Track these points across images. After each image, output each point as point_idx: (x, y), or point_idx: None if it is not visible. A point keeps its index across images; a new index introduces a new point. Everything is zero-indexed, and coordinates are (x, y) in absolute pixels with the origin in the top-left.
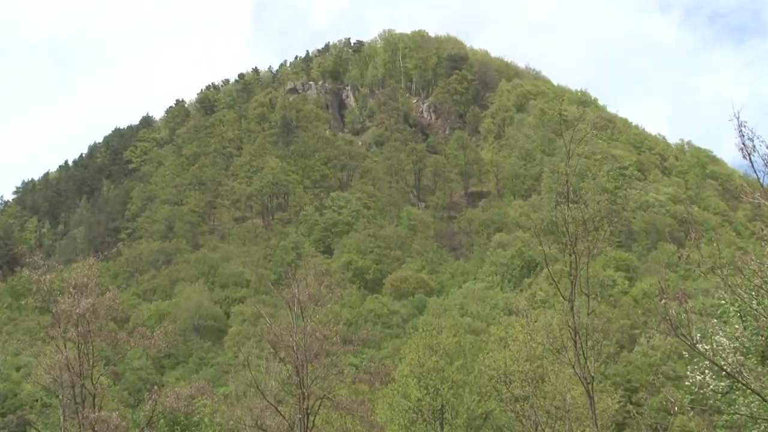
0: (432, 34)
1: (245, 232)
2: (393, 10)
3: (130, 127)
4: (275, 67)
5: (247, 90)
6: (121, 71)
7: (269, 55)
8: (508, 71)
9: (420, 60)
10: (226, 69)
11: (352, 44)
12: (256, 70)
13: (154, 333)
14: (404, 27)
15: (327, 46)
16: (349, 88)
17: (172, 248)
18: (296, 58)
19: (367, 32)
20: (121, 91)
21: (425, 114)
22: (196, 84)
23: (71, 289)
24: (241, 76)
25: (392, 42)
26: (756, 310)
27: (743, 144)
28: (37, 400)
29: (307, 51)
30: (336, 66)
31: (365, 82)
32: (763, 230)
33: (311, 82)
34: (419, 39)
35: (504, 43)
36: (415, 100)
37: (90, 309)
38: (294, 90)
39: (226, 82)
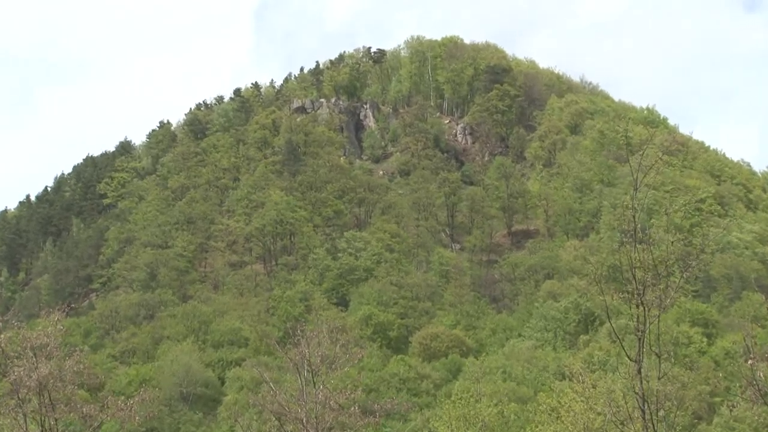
0: (468, 40)
1: (243, 280)
2: (421, 12)
3: (104, 155)
4: (279, 81)
5: (245, 109)
6: (94, 88)
7: (272, 65)
8: (560, 85)
9: (453, 72)
10: (221, 83)
11: (372, 53)
12: (256, 86)
13: (131, 402)
14: (434, 32)
15: (341, 56)
16: (367, 106)
17: (156, 300)
18: (303, 70)
19: (390, 39)
20: (94, 112)
21: (460, 137)
22: (184, 103)
23: (29, 351)
24: (238, 92)
25: (420, 50)
26: None
27: None
28: None
29: (317, 62)
30: (352, 80)
31: (387, 99)
32: None
33: (322, 100)
34: (452, 47)
35: (555, 51)
36: (447, 121)
37: (52, 375)
38: (302, 109)
39: (220, 100)
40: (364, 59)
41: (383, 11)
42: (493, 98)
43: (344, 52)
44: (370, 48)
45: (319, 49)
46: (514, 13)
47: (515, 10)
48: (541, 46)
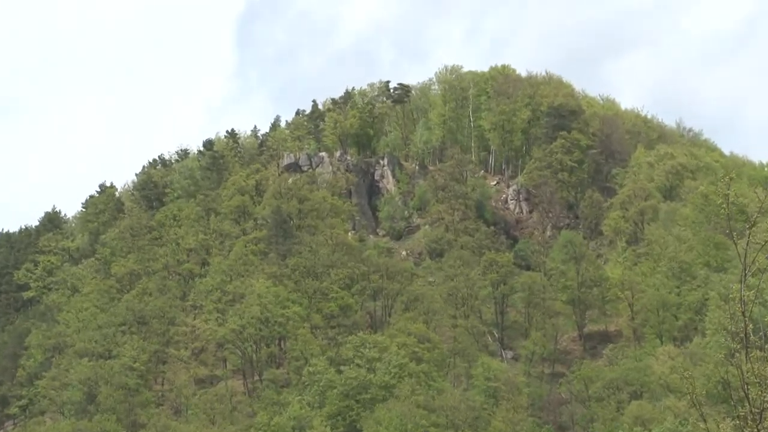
0: (522, 71)
1: (215, 401)
2: (461, 31)
3: (24, 231)
4: (264, 127)
5: (217, 168)
6: (7, 136)
7: (257, 100)
8: (649, 133)
9: (503, 115)
10: (185, 130)
11: (391, 89)
12: (232, 135)
13: None
14: (476, 61)
15: (349, 94)
16: (385, 162)
17: (95, 430)
18: (299, 113)
19: (416, 70)
20: (9, 171)
21: (512, 204)
22: (133, 159)
23: None
24: (208, 144)
25: (457, 86)
26: None
27: None
28: None
29: (314, 102)
30: (364, 126)
31: (412, 153)
32: None
33: (323, 154)
34: (502, 81)
35: (642, 84)
36: (494, 182)
37: None
38: (295, 166)
39: (184, 154)
40: (381, 97)
41: (405, 31)
42: (557, 150)
43: (352, 89)
44: (388, 83)
45: (320, 76)
46: (586, 35)
47: (587, 30)
48: (623, 78)
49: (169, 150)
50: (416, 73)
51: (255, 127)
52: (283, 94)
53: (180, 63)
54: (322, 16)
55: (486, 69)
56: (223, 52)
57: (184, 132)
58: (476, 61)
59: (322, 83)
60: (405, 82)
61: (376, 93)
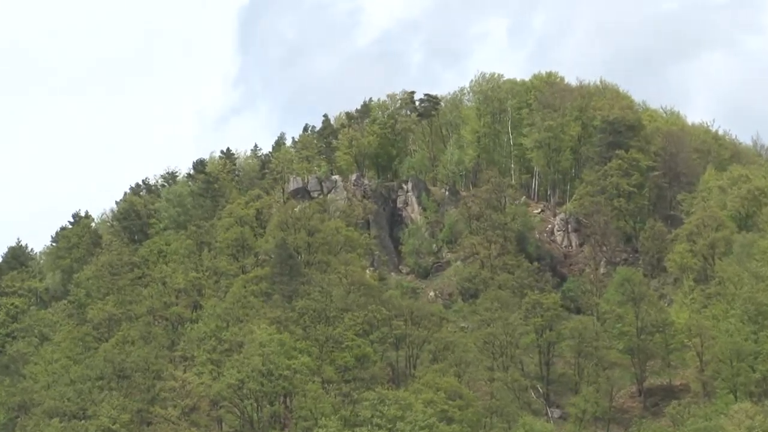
0: (572, 80)
1: None
2: (499, 31)
3: None
4: (267, 145)
5: (212, 194)
6: None
7: (259, 115)
8: (721, 152)
9: (549, 132)
10: (176, 148)
11: (416, 101)
12: (228, 155)
13: None
14: (520, 66)
15: (367, 106)
16: (409, 186)
17: None
18: (307, 129)
19: (449, 75)
20: None
21: (559, 236)
22: (112, 183)
23: None
24: (201, 165)
25: (494, 97)
26: None
27: None
28: None
29: (326, 116)
30: (385, 144)
31: (441, 175)
32: None
33: (336, 177)
34: (547, 91)
35: (713, 95)
36: (539, 210)
37: None
38: (303, 192)
39: (172, 177)
40: (404, 111)
41: (443, 26)
42: (612, 173)
43: (369, 100)
44: (413, 93)
45: (334, 83)
46: (647, 35)
47: (649, 29)
48: (691, 87)
49: (154, 173)
50: (450, 79)
51: (256, 145)
52: (291, 105)
53: (168, 68)
54: (340, 10)
55: (529, 77)
56: (221, 54)
57: (173, 151)
58: (520, 66)
59: (337, 92)
60: (436, 89)
61: (398, 105)
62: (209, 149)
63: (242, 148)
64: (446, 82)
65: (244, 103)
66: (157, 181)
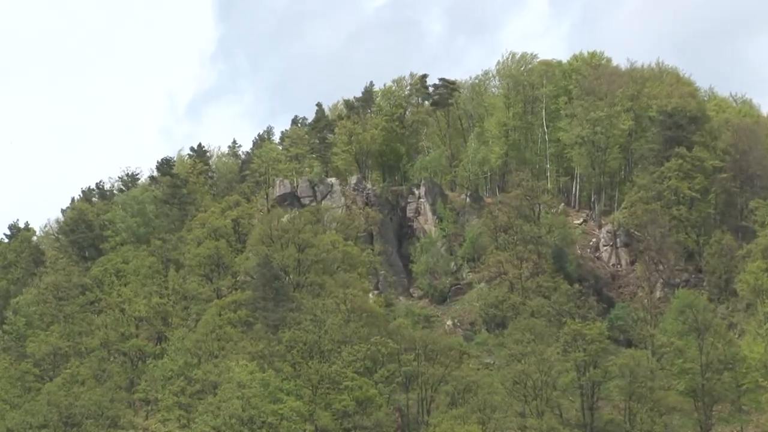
0: (621, 62)
1: None
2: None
3: None
4: (247, 140)
5: (180, 199)
6: None
7: (242, 102)
8: None
9: (593, 124)
10: (137, 144)
11: (430, 87)
12: (199, 152)
13: None
14: (556, 45)
15: (369, 93)
16: (422, 191)
17: None
18: (296, 122)
19: (477, 51)
20: None
21: (605, 251)
22: (59, 188)
23: None
24: (168, 166)
25: (526, 82)
26: None
27: None
28: None
29: (320, 106)
30: (391, 139)
31: (461, 178)
32: None
33: (332, 180)
34: (590, 73)
35: None
36: (581, 220)
37: None
38: (292, 198)
39: (132, 180)
40: (415, 98)
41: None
42: (671, 174)
43: (371, 86)
44: (425, 78)
45: (334, 62)
46: (714, 7)
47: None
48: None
49: (110, 175)
50: (476, 57)
51: (234, 141)
52: (280, 89)
53: (131, 41)
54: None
55: (569, 57)
56: (196, 24)
57: (134, 146)
58: (560, 44)
59: (337, 73)
60: (459, 69)
61: (407, 92)
62: (178, 144)
63: (218, 144)
64: (472, 60)
65: (223, 85)
66: (113, 185)
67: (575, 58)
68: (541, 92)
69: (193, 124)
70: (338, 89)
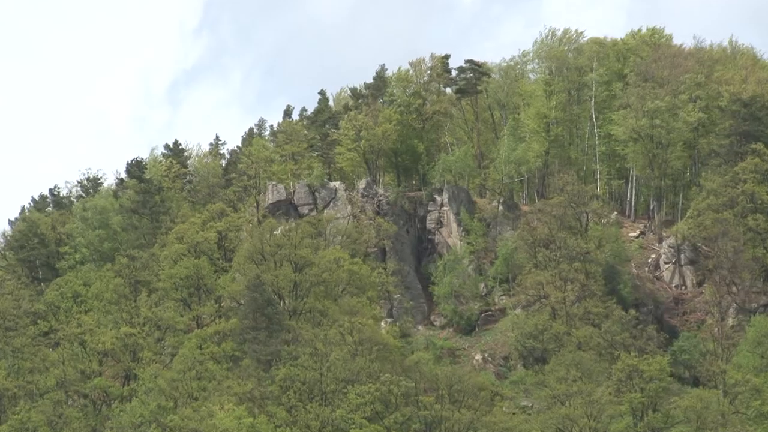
0: (688, 40)
1: None
2: None
3: None
4: (235, 136)
5: (152, 208)
6: None
7: (229, 87)
8: None
9: (652, 116)
10: (102, 141)
11: (452, 70)
12: (176, 151)
13: None
14: (610, 20)
15: (381, 79)
16: (444, 198)
17: None
18: (291, 113)
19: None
20: None
21: (667, 270)
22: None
23: None
24: (137, 167)
25: (572, 65)
26: None
27: None
28: None
29: (322, 93)
30: (407, 134)
31: (492, 181)
32: None
33: (335, 184)
34: (649, 55)
35: None
36: (637, 232)
37: None
38: (287, 206)
39: (93, 184)
40: (435, 83)
41: None
42: (747, 176)
43: (383, 69)
44: (447, 58)
45: (342, 36)
46: None
47: None
48: None
49: (67, 179)
50: (513, 31)
51: (217, 138)
52: (275, 71)
53: (94, 12)
54: None
55: (623, 35)
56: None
57: (98, 143)
58: (616, 18)
59: (342, 51)
60: (491, 46)
61: (427, 77)
62: (153, 137)
63: (197, 141)
64: (506, 36)
65: (207, 64)
66: (71, 191)
67: (631, 35)
68: (589, 77)
69: (171, 112)
70: (344, 70)
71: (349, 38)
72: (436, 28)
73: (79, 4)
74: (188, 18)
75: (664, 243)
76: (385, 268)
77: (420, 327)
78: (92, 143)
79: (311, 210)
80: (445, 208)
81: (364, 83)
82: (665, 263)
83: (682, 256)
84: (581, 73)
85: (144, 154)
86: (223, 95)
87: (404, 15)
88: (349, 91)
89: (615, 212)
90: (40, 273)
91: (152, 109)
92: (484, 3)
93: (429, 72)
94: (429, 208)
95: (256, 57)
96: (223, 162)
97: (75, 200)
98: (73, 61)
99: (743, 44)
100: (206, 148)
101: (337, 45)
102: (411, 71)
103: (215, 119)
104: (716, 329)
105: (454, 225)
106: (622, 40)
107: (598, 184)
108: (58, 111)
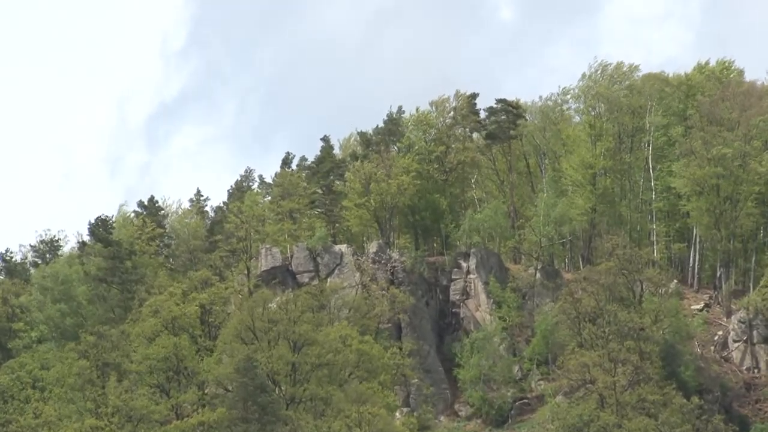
0: (760, 76)
1: None
2: None
3: None
4: (220, 190)
5: (121, 275)
6: None
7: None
8: None
9: (721, 167)
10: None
11: (482, 111)
12: (151, 208)
13: None
14: (666, 42)
15: (394, 121)
16: (472, 263)
17: None
18: (287, 161)
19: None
20: None
21: (737, 349)
22: None
23: None
24: (103, 226)
25: (624, 104)
26: None
27: None
28: None
29: (326, 140)
30: (427, 188)
31: (528, 243)
32: None
33: (341, 248)
34: (717, 92)
35: None
36: (701, 305)
37: None
38: (284, 273)
39: (53, 248)
40: (460, 127)
41: None
42: None
43: (399, 111)
44: (474, 97)
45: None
46: None
47: None
48: None
49: (21, 242)
50: (565, 51)
51: (198, 191)
52: (276, 103)
53: (65, 32)
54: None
55: (689, 69)
56: (161, 11)
57: (59, 195)
58: (680, 45)
59: (351, 79)
60: (534, 78)
61: (450, 119)
62: (126, 184)
63: (179, 191)
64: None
65: (194, 90)
66: (25, 257)
67: (697, 69)
68: (646, 121)
69: (149, 151)
70: (357, 98)
71: (365, 60)
72: (468, 49)
73: (35, 19)
74: (172, 35)
75: (733, 317)
76: (400, 348)
77: (442, 418)
78: (54, 193)
79: (312, 278)
80: (472, 275)
81: (376, 126)
82: (734, 341)
83: (755, 332)
84: (635, 115)
85: (115, 206)
86: (211, 131)
87: (432, 32)
88: (357, 136)
89: (675, 281)
90: None
91: (127, 148)
92: (526, 19)
93: (453, 113)
94: (453, 276)
95: (254, 83)
96: (207, 221)
97: (31, 268)
98: (33, 91)
99: None
100: (186, 204)
101: (349, 70)
102: (432, 111)
103: (201, 160)
104: None
105: (482, 296)
106: (686, 74)
107: (655, 247)
108: (12, 151)
